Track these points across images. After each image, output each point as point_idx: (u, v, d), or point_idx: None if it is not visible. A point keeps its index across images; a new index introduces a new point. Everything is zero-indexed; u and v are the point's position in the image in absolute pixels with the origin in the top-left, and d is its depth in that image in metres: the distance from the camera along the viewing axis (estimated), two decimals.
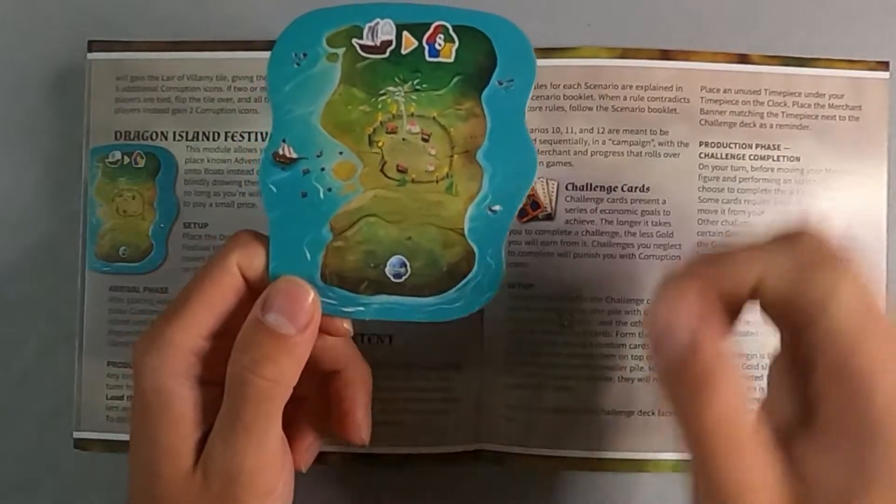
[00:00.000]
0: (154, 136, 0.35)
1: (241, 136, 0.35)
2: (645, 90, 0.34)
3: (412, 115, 0.24)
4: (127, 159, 0.35)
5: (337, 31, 0.24)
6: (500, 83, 0.24)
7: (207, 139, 0.35)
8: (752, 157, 0.34)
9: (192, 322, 0.24)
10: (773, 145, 0.34)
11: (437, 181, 0.24)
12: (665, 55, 0.35)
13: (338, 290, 0.24)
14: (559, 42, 0.35)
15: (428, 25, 0.24)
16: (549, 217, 0.34)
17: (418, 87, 0.24)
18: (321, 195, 0.24)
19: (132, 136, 0.35)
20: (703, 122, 0.34)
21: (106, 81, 0.35)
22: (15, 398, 0.35)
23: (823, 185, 0.34)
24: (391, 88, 0.24)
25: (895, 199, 0.35)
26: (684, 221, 0.34)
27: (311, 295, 0.23)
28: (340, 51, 0.24)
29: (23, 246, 0.36)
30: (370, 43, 0.24)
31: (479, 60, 0.24)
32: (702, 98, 0.34)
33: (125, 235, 0.34)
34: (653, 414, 0.34)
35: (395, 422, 0.34)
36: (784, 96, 0.35)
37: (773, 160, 0.34)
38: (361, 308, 0.24)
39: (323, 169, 0.24)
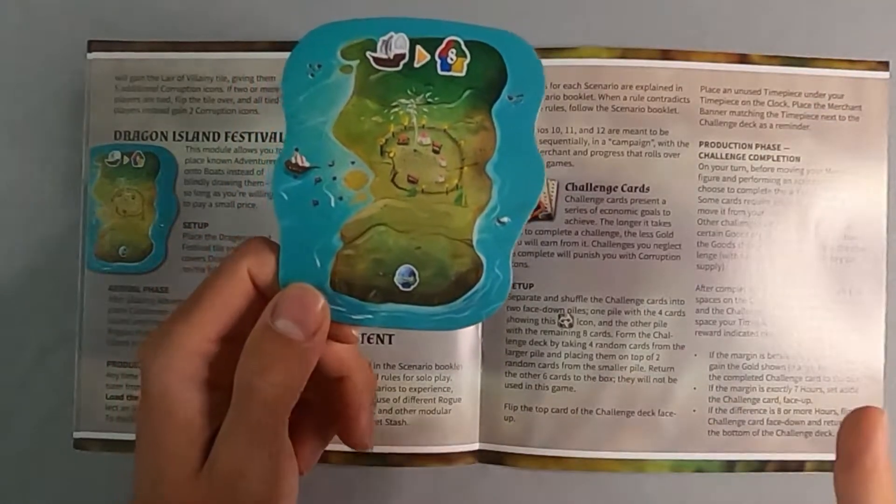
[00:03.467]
0: (154, 136, 0.35)
1: (241, 136, 0.35)
2: (645, 90, 0.34)
3: (423, 126, 0.24)
4: (127, 159, 0.35)
5: (351, 44, 0.24)
6: (511, 98, 0.24)
7: (207, 139, 0.35)
8: (752, 157, 0.34)
9: (200, 325, 0.23)
10: (773, 145, 0.34)
11: (446, 192, 0.24)
12: (665, 55, 0.35)
13: (346, 297, 0.24)
14: (559, 42, 0.35)
15: (440, 40, 0.24)
16: (549, 217, 0.34)
17: (430, 100, 0.24)
18: (332, 204, 0.24)
19: (132, 136, 0.35)
20: (703, 122, 0.34)
21: (106, 81, 0.35)
22: (15, 398, 0.35)
23: (823, 185, 0.34)
24: (403, 101, 0.24)
25: (895, 199, 0.35)
26: (684, 221, 0.34)
27: (321, 302, 0.23)
28: (354, 63, 0.24)
29: (23, 246, 0.36)
30: (384, 56, 0.24)
31: (490, 75, 0.24)
32: (702, 98, 0.34)
33: (125, 235, 0.34)
34: (653, 414, 0.34)
35: (395, 422, 0.34)
36: (784, 96, 0.35)
37: (773, 160, 0.34)
38: (370, 316, 0.24)
39: (335, 178, 0.24)
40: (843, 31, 0.36)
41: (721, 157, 0.34)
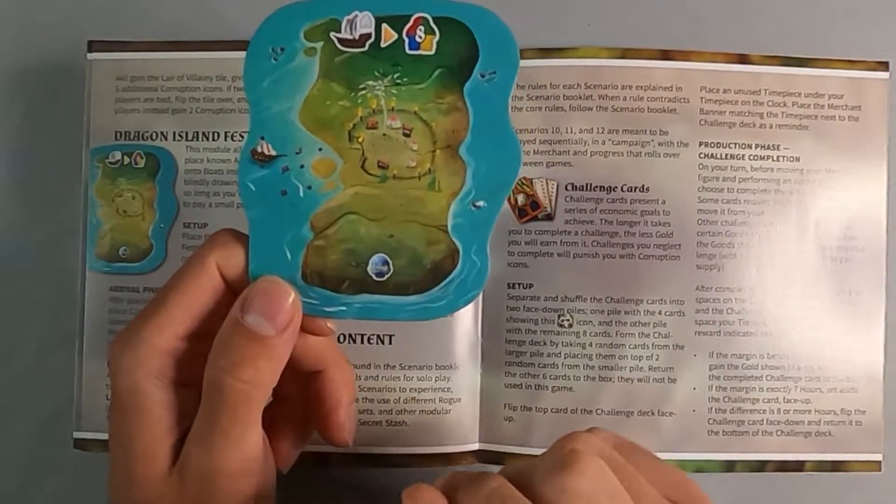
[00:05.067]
0: (154, 136, 0.35)
1: (240, 136, 0.35)
2: (645, 90, 0.34)
3: (393, 109, 0.24)
4: (127, 159, 0.35)
5: (314, 25, 0.23)
6: (483, 75, 0.23)
7: (207, 139, 0.35)
8: (751, 157, 0.34)
9: (168, 323, 0.23)
10: (773, 145, 0.34)
11: (419, 177, 0.24)
12: (665, 55, 0.35)
13: (319, 289, 0.24)
14: (559, 42, 0.35)
15: (408, 17, 0.23)
16: (549, 217, 0.34)
17: (399, 81, 0.23)
18: (301, 193, 0.24)
19: (132, 136, 0.35)
20: (702, 122, 0.34)
21: (106, 81, 0.35)
22: (15, 398, 0.35)
23: (823, 185, 0.34)
24: (371, 83, 0.23)
25: (895, 199, 0.35)
26: (684, 221, 0.34)
27: (292, 295, 0.23)
28: (318, 45, 0.23)
29: (23, 246, 0.36)
30: (348, 36, 0.23)
31: (461, 52, 0.23)
32: (702, 98, 0.34)
33: (125, 235, 0.34)
34: (653, 414, 0.34)
35: (395, 422, 0.34)
36: (784, 96, 0.35)
37: (773, 160, 0.34)
38: (343, 308, 0.24)
39: (302, 166, 0.24)
40: (843, 31, 0.36)
41: (721, 158, 0.34)
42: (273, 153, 0.24)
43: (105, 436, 0.34)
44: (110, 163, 0.35)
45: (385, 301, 0.24)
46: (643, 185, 0.34)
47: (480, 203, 0.24)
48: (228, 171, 0.34)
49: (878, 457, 0.34)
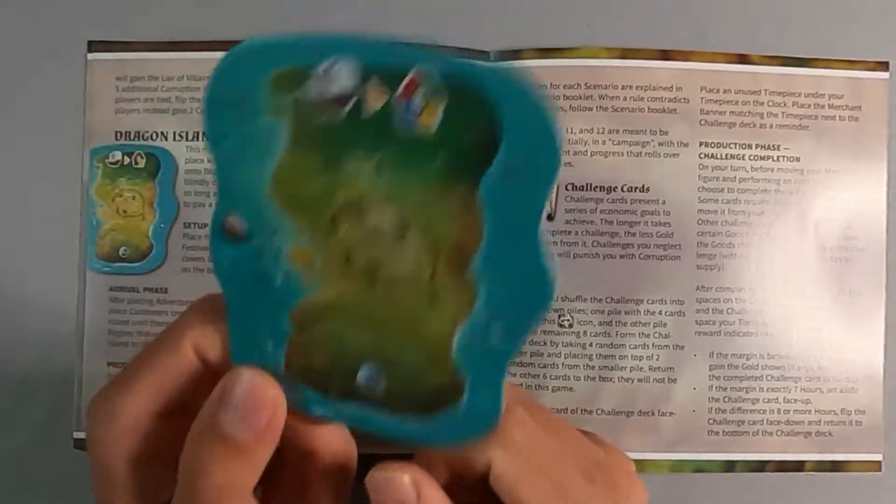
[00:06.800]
0: (154, 137, 0.35)
1: None
2: (645, 90, 0.34)
3: (384, 198, 0.18)
4: (127, 159, 0.35)
5: (282, 72, 0.17)
6: (507, 169, 0.17)
7: None
8: (751, 158, 0.34)
9: (135, 402, 0.21)
10: (773, 145, 0.34)
11: (415, 287, 0.18)
12: (665, 55, 0.35)
13: (305, 388, 0.20)
14: (559, 42, 0.35)
15: (404, 72, 0.17)
16: (549, 217, 0.34)
17: (389, 162, 0.17)
18: (278, 282, 0.19)
19: (132, 137, 0.35)
20: (702, 122, 0.34)
21: (106, 81, 0.35)
22: (15, 398, 0.35)
23: (823, 185, 0.34)
24: (355, 160, 0.18)
25: (895, 199, 0.35)
26: (684, 221, 0.34)
27: (273, 393, 0.19)
28: (288, 100, 0.17)
29: (23, 246, 0.36)
30: (322, 95, 0.17)
31: (476, 134, 0.17)
32: (702, 98, 0.34)
33: (125, 235, 0.34)
34: (653, 414, 0.34)
35: None
36: (784, 96, 0.35)
37: (773, 160, 0.34)
38: (332, 412, 0.20)
39: (279, 250, 0.19)
40: (843, 31, 0.36)
41: (721, 158, 0.34)
42: (244, 232, 0.19)
43: None
44: (110, 163, 0.35)
45: (379, 416, 0.20)
46: (643, 185, 0.34)
47: (496, 334, 0.18)
48: None
49: (878, 457, 0.34)
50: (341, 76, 0.17)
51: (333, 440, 0.23)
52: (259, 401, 0.19)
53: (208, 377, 0.21)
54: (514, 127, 0.17)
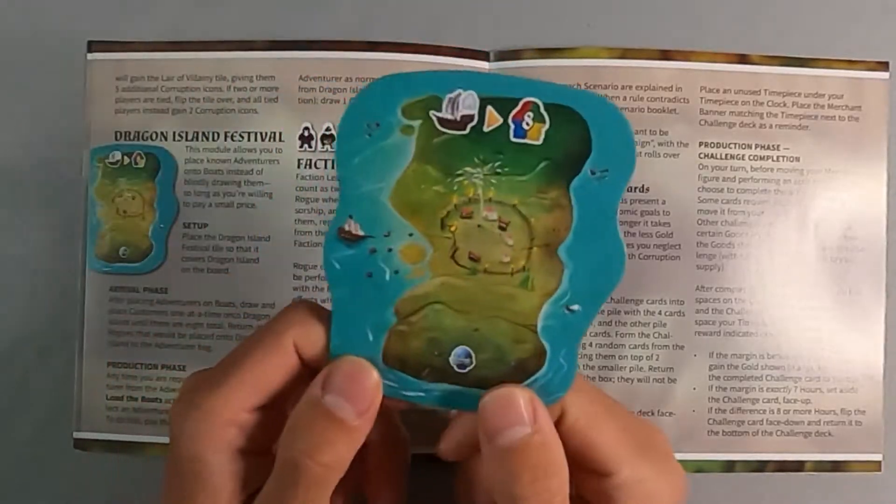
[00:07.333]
0: (154, 137, 0.35)
1: (240, 136, 0.35)
2: (645, 90, 0.34)
3: (490, 200, 0.22)
4: (127, 159, 0.35)
5: (414, 101, 0.22)
6: (593, 173, 0.22)
7: (207, 139, 0.35)
8: (751, 158, 0.34)
9: (237, 396, 0.23)
10: (773, 145, 0.34)
11: (511, 273, 0.22)
12: (665, 55, 0.35)
13: (399, 373, 0.23)
14: (559, 42, 0.35)
15: (516, 101, 0.22)
16: None
17: (499, 171, 0.22)
18: (387, 277, 0.22)
19: (132, 137, 0.35)
20: (702, 122, 0.34)
21: (106, 81, 0.35)
22: (15, 398, 0.35)
23: (823, 185, 0.34)
24: (469, 169, 0.22)
25: (895, 199, 0.35)
26: (684, 221, 0.34)
27: (374, 377, 0.22)
28: (416, 123, 0.22)
29: (23, 246, 0.36)
30: (449, 116, 0.22)
31: (571, 145, 0.22)
32: (702, 98, 0.34)
33: (125, 235, 0.34)
34: (652, 414, 0.34)
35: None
36: (784, 96, 0.35)
37: (773, 160, 0.34)
38: (422, 394, 0.23)
39: (390, 250, 0.22)
40: (843, 31, 0.36)
41: (721, 158, 0.34)
42: (361, 234, 0.22)
43: (105, 436, 0.34)
44: (110, 163, 0.35)
45: (466, 392, 0.23)
46: (643, 185, 0.34)
47: (575, 307, 0.22)
48: (228, 171, 0.34)
49: (878, 457, 0.34)
50: (465, 103, 0.22)
51: (390, 433, 0.26)
52: (361, 383, 0.22)
53: (304, 373, 0.23)
54: (601, 138, 0.21)
